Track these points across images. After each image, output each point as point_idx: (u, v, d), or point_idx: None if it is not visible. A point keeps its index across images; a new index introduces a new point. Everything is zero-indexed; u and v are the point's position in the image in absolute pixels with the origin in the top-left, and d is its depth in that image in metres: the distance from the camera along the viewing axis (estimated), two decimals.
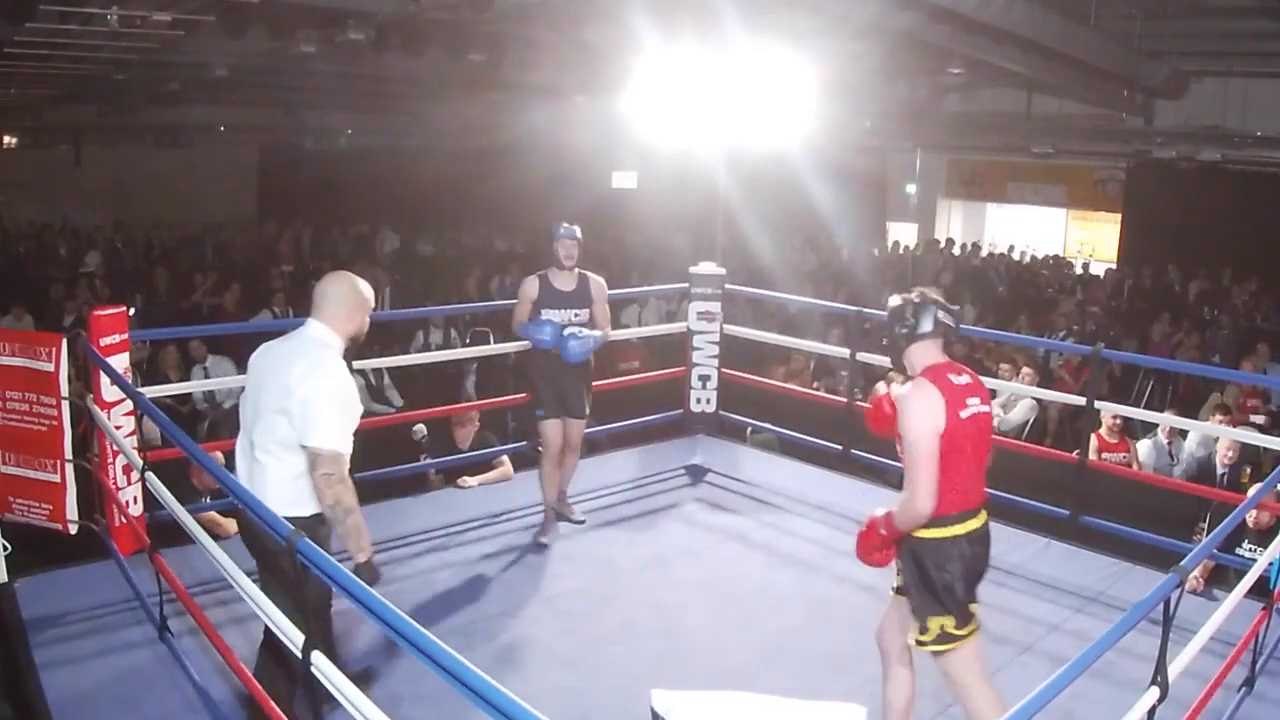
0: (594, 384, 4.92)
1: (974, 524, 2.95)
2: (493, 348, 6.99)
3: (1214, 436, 6.26)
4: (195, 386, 7.01)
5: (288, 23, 8.57)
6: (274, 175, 18.85)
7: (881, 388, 3.19)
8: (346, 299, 3.06)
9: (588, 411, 4.87)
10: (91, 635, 3.74)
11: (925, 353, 2.94)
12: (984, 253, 15.21)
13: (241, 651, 3.18)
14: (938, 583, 2.88)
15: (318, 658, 2.40)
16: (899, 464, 5.83)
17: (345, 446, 2.91)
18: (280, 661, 2.93)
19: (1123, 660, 3.26)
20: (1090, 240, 16.09)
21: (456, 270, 13.42)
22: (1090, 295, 12.54)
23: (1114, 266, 14.47)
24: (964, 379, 2.92)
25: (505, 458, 5.58)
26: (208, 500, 4.80)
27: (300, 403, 2.85)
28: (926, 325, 2.92)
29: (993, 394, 7.83)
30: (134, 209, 16.54)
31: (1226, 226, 12.95)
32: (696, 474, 5.77)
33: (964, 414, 2.85)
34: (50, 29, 7.94)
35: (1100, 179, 15.15)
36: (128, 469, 4.19)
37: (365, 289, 3.12)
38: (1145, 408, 8.12)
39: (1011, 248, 15.53)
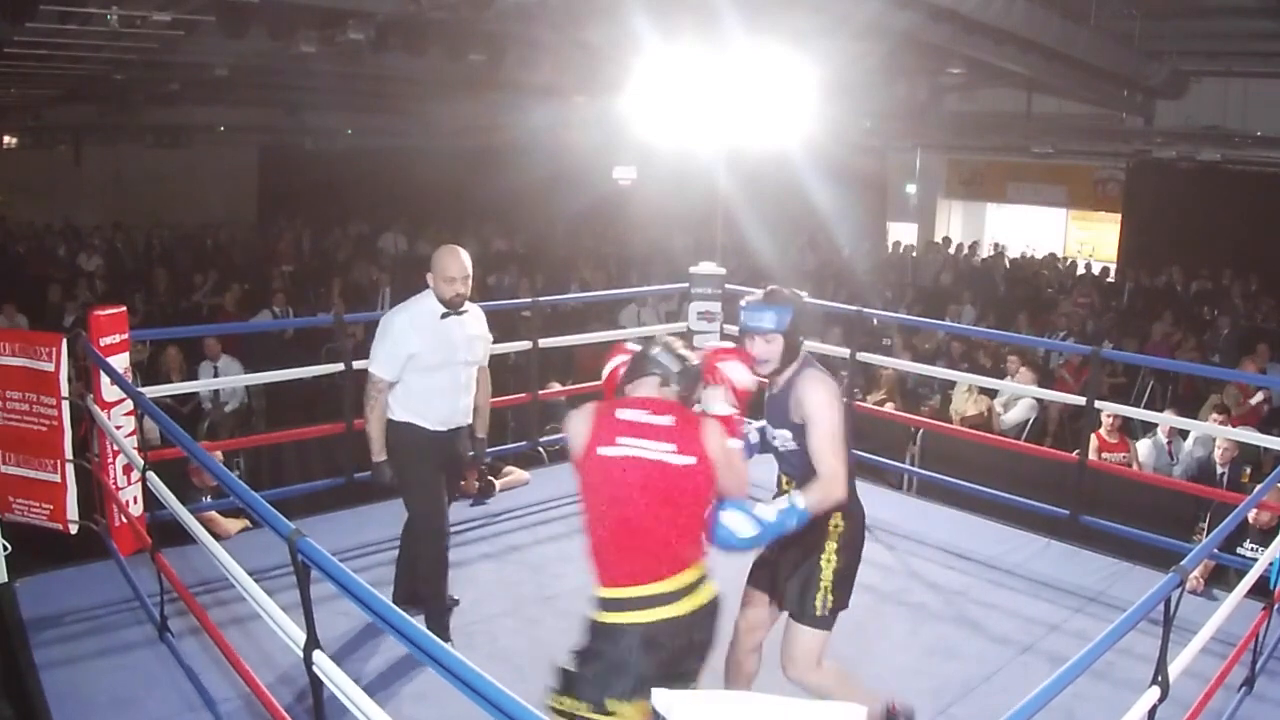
0: (593, 384, 4.63)
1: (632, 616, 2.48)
2: (492, 347, 6.98)
3: (1212, 436, 6.27)
4: (195, 386, 7.00)
5: (288, 23, 8.56)
6: (274, 175, 18.83)
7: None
8: (431, 267, 3.83)
9: (817, 610, 2.99)
10: (91, 635, 3.74)
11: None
12: (984, 253, 15.20)
13: (242, 651, 3.18)
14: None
15: (319, 657, 2.40)
16: (900, 464, 5.71)
17: (379, 372, 3.72)
18: (415, 541, 3.83)
19: (1123, 660, 3.26)
20: (1090, 240, 16.09)
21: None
22: (1077, 295, 12.47)
23: (1113, 266, 14.48)
24: (639, 414, 2.50)
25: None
26: (208, 500, 4.81)
27: None
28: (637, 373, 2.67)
29: (994, 394, 7.89)
30: (134, 209, 16.53)
31: (1226, 226, 12.92)
32: None
33: (604, 450, 2.45)
34: (50, 29, 7.94)
35: (1100, 179, 15.13)
36: (128, 469, 4.20)
37: (445, 263, 3.77)
38: (1145, 408, 8.12)
39: (996, 245, 15.40)
